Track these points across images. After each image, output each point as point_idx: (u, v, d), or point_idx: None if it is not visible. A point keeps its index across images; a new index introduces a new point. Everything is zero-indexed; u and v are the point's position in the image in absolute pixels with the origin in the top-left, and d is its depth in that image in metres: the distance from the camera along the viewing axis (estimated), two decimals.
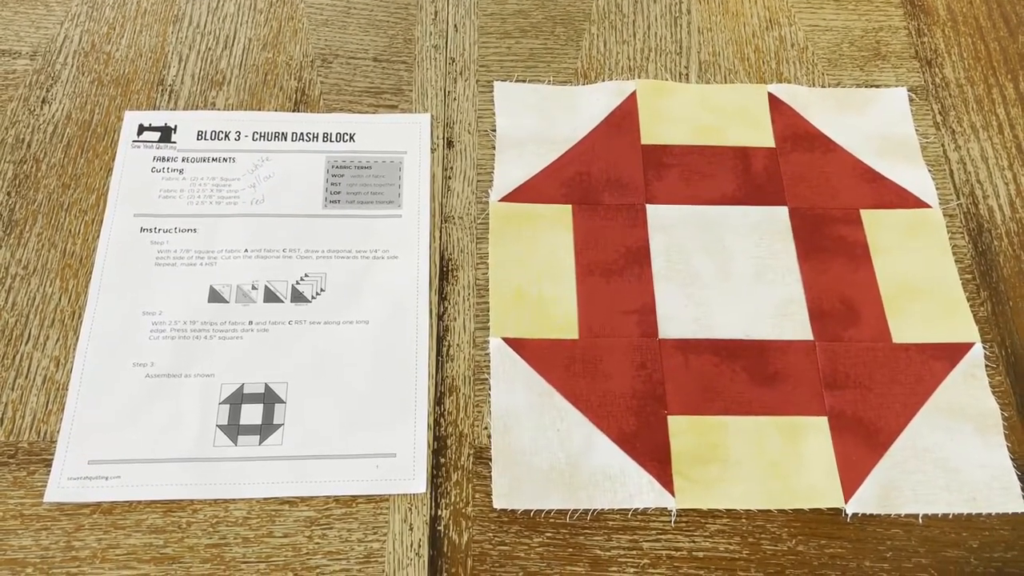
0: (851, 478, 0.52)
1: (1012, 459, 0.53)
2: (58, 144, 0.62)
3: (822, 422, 0.54)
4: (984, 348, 0.57)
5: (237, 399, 0.53)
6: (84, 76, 0.65)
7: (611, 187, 0.62)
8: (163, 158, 0.61)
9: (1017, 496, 0.52)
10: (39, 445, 0.52)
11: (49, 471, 0.51)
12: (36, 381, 0.54)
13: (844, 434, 0.54)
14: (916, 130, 0.65)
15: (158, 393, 0.53)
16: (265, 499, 0.51)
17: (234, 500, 0.51)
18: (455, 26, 0.69)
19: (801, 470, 0.53)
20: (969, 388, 0.56)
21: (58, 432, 0.52)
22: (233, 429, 0.53)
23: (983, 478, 0.53)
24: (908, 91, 0.67)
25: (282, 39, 0.67)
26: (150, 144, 0.62)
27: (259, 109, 0.64)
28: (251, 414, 0.53)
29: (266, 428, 0.53)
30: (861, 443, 0.53)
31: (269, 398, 0.54)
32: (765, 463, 0.53)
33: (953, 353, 0.57)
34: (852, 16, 0.71)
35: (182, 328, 0.55)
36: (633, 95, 0.66)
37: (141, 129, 0.62)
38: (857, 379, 0.56)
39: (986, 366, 0.56)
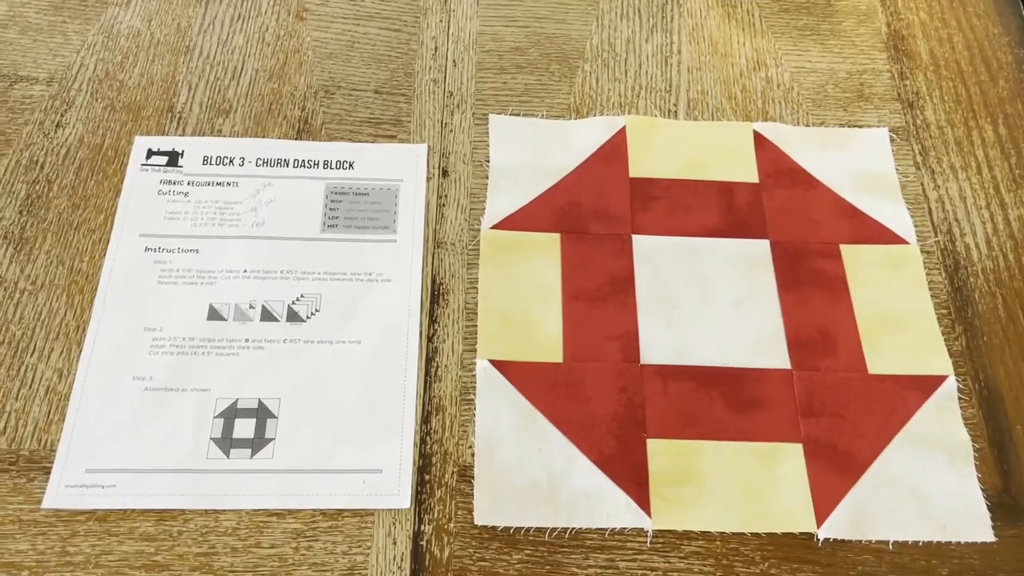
0: (824, 504, 0.54)
1: (982, 489, 0.55)
2: (70, 166, 0.64)
3: (797, 448, 0.56)
4: (957, 381, 0.58)
5: (231, 413, 0.55)
6: (97, 102, 0.68)
7: (599, 217, 0.64)
8: (170, 181, 0.64)
9: (987, 526, 0.53)
10: (39, 453, 0.54)
11: (48, 478, 0.53)
12: (39, 392, 0.56)
13: (818, 461, 0.55)
14: (896, 169, 0.67)
15: (155, 406, 0.55)
16: (254, 510, 0.53)
17: (224, 511, 0.53)
18: (454, 61, 0.71)
19: (775, 495, 0.54)
20: (942, 419, 0.57)
21: (58, 441, 0.54)
22: (226, 442, 0.55)
23: (954, 507, 0.54)
24: (890, 131, 0.69)
25: (288, 71, 0.70)
26: (158, 168, 0.65)
27: (263, 137, 0.67)
28: (244, 428, 0.55)
29: (258, 442, 0.55)
30: (835, 470, 0.55)
31: (262, 413, 0.56)
32: (740, 487, 0.54)
33: (927, 385, 0.58)
34: (837, 59, 0.73)
35: (181, 344, 0.58)
36: (623, 130, 0.68)
37: (150, 153, 0.65)
38: (833, 408, 0.57)
39: (959, 399, 0.58)
